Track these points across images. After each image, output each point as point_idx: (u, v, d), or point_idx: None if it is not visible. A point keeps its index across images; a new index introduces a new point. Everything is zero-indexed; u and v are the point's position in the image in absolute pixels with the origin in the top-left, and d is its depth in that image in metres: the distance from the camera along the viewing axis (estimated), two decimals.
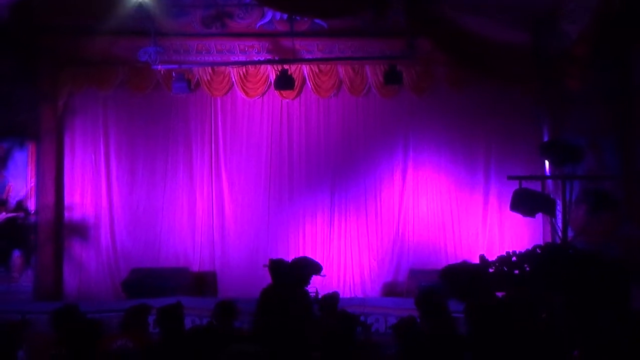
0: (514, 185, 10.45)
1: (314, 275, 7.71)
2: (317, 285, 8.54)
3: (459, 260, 11.82)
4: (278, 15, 11.66)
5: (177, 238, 12.50)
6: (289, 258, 11.20)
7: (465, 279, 6.36)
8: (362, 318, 9.64)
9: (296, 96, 12.44)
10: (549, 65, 11.32)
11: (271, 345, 5.28)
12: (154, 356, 5.74)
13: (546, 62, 11.32)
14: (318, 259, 8.34)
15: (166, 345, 5.85)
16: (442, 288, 6.54)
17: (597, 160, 10.61)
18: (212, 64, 12.02)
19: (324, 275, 8.09)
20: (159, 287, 10.81)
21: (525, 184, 10.43)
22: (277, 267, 7.74)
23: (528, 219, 10.93)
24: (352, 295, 11.92)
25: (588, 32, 10.03)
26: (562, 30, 10.65)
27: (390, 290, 12.12)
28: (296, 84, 11.94)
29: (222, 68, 12.13)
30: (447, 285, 6.56)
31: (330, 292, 8.15)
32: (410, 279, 11.73)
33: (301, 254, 12.13)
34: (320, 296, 8.19)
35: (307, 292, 7.67)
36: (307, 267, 7.76)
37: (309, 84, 12.26)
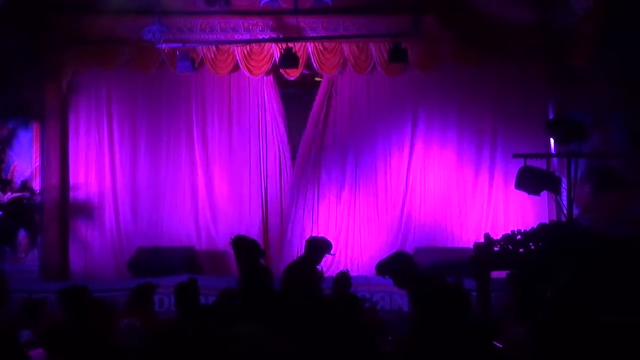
0: (521, 163, 10.42)
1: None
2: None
3: (463, 239, 11.93)
4: None
5: (180, 218, 12.52)
6: (301, 236, 11.24)
7: (397, 269, 6.40)
8: (367, 296, 9.72)
9: (300, 74, 12.38)
10: (556, 42, 11.28)
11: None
12: (171, 333, 5.75)
13: (553, 39, 11.28)
14: (328, 237, 8.35)
15: (183, 321, 5.86)
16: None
17: (603, 137, 10.58)
18: (216, 43, 11.95)
19: (334, 254, 8.09)
20: (165, 266, 10.85)
21: (531, 162, 10.41)
22: (240, 243, 7.69)
23: (534, 197, 10.91)
24: (360, 274, 11.90)
25: (596, 9, 9.98)
26: (569, 8, 10.59)
27: None
28: (300, 61, 11.87)
29: (226, 46, 12.04)
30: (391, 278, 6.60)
31: (341, 270, 8.13)
32: (414, 258, 11.72)
33: (312, 232, 12.21)
34: (325, 275, 8.17)
35: (321, 273, 7.69)
36: (322, 247, 7.75)
37: (313, 62, 12.18)
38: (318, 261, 7.68)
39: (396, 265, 6.37)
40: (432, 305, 5.24)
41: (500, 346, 5.65)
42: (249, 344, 4.83)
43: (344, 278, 7.77)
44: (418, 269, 6.58)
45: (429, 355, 5.04)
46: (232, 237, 7.71)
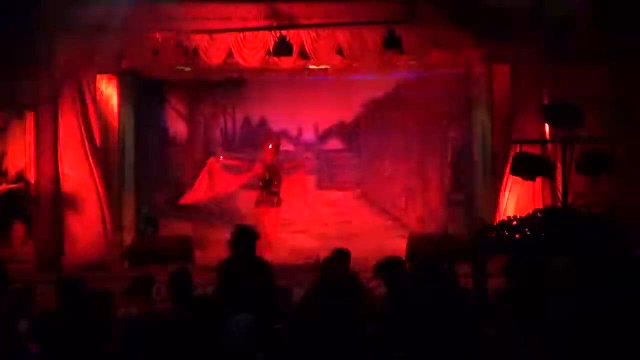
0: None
1: None
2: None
3: None
4: None
5: None
6: None
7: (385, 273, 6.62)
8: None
9: (294, 62, 12.36)
10: (552, 26, 11.27)
11: None
12: (167, 323, 5.76)
13: (549, 22, 11.28)
14: None
15: (178, 311, 5.87)
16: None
17: (598, 123, 10.58)
18: (210, 31, 11.89)
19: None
20: (162, 255, 10.87)
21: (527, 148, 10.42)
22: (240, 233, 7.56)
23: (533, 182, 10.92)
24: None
25: None
26: None
27: None
28: (294, 49, 11.84)
29: (220, 35, 12.01)
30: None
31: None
32: (408, 244, 11.76)
33: None
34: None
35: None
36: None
37: (307, 49, 12.14)
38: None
39: (385, 269, 6.60)
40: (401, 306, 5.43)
41: (495, 332, 5.69)
42: (243, 334, 4.84)
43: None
44: (404, 276, 6.73)
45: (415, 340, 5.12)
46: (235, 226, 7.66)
